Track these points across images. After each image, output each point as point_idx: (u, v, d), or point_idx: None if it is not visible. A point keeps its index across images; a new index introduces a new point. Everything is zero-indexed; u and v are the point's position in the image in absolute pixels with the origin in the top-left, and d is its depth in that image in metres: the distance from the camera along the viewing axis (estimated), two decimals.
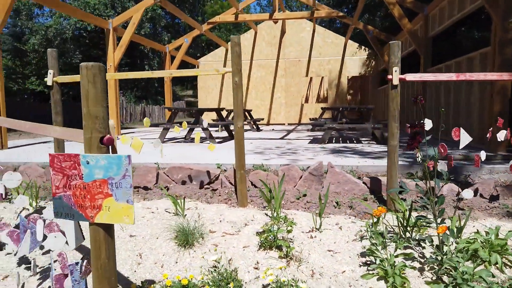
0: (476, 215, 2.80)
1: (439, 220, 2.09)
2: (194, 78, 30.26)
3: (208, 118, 15.30)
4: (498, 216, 2.75)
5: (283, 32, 15.59)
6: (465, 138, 2.48)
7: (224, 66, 16.00)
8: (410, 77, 2.72)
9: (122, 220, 1.27)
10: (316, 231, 2.59)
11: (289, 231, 2.27)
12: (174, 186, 3.46)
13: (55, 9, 8.07)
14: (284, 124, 15.83)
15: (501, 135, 2.60)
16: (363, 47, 15.54)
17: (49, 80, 3.13)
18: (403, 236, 2.42)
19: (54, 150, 3.24)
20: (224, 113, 15.06)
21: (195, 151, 5.60)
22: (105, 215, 1.28)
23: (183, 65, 15.66)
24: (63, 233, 1.67)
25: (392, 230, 2.60)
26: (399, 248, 2.18)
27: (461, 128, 2.49)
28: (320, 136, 8.91)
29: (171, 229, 2.56)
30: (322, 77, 18.84)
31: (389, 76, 2.73)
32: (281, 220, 2.37)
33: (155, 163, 4.58)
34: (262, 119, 12.41)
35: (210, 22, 12.90)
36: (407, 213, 2.60)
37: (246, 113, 11.55)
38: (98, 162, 1.27)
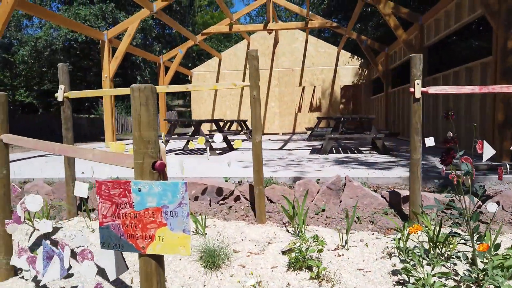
0: (501, 229, 2.77)
1: (475, 237, 2.05)
2: None
3: (204, 128, 15.20)
4: None
5: (276, 42, 15.65)
6: (488, 152, 2.45)
7: (218, 76, 15.97)
8: (432, 90, 2.70)
9: (177, 251, 1.19)
10: (342, 249, 2.52)
11: (320, 251, 2.21)
12: None
13: (51, 21, 7.96)
14: (278, 133, 15.81)
15: None
16: (355, 57, 15.68)
17: (59, 95, 3.03)
18: (433, 252, 2.37)
19: (64, 167, 3.14)
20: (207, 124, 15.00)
21: (195, 163, 5.52)
22: (159, 245, 1.21)
23: (176, 75, 15.60)
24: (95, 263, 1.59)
25: (418, 245, 2.55)
26: (437, 266, 2.12)
27: (484, 141, 2.47)
28: (319, 146, 8.90)
29: (194, 250, 2.47)
30: (315, 87, 18.92)
31: (411, 89, 2.70)
32: (310, 238, 2.30)
33: None
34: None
35: (204, 32, 12.87)
36: (433, 228, 2.56)
37: (242, 123, 11.50)
38: (152, 189, 1.19)
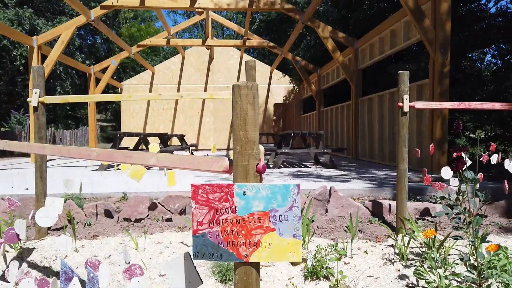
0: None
1: (478, 240, 2.23)
2: (110, 101, 28.82)
3: (131, 143, 14.50)
4: (495, 232, 3.02)
5: (211, 59, 15.68)
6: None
7: (150, 90, 15.50)
8: (418, 104, 2.92)
9: (286, 257, 1.13)
10: (345, 257, 2.57)
11: (338, 259, 2.23)
12: (172, 217, 3.18)
13: None
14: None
15: (494, 158, 2.87)
16: (286, 76, 16.30)
17: (34, 100, 2.71)
18: (431, 256, 2.52)
19: (34, 180, 2.79)
20: (144, 138, 14.48)
21: (155, 178, 5.27)
22: (264, 253, 1.14)
23: (106, 87, 14.81)
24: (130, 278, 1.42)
25: (412, 251, 2.70)
26: (450, 268, 2.26)
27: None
28: (263, 161, 9.01)
29: (202, 265, 2.35)
30: None
31: (399, 104, 2.89)
32: (328, 247, 2.31)
33: (123, 193, 4.20)
34: (196, 145, 12.17)
35: (140, 44, 12.48)
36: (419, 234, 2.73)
37: (181, 138, 11.22)
38: (258, 192, 1.13)
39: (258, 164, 1.16)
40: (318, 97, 13.37)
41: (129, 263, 1.55)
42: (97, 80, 12.91)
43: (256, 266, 1.17)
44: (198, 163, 1.25)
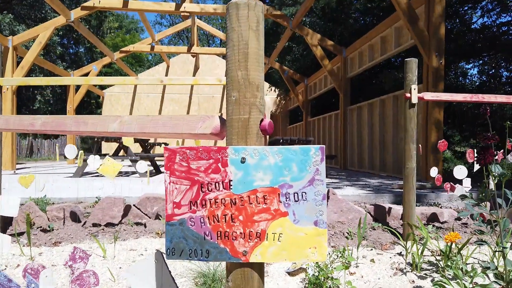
0: (491, 239, 2.74)
1: (508, 245, 1.91)
2: (92, 109, 28.16)
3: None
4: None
5: (196, 68, 15.35)
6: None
7: (133, 98, 15.04)
8: (428, 96, 2.62)
9: (304, 255, 0.77)
10: (350, 267, 2.22)
11: (346, 267, 1.87)
12: (148, 221, 2.78)
13: None
14: None
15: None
16: (273, 87, 16.06)
17: None
18: (449, 264, 2.19)
19: None
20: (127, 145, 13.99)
21: (133, 184, 4.86)
22: (272, 248, 0.77)
23: (87, 94, 14.32)
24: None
25: (424, 259, 2.36)
26: (476, 277, 1.93)
27: (474, 150, 2.43)
28: None
29: (183, 276, 1.96)
30: None
31: (407, 95, 2.59)
32: (332, 253, 1.96)
33: (96, 197, 3.79)
34: None
35: (123, 50, 12.09)
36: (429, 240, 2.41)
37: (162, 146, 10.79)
38: (264, 159, 0.77)
39: (263, 120, 0.80)
40: (305, 107, 13.14)
41: None
42: (78, 87, 12.42)
43: (259, 268, 0.80)
44: (176, 125, 0.89)
